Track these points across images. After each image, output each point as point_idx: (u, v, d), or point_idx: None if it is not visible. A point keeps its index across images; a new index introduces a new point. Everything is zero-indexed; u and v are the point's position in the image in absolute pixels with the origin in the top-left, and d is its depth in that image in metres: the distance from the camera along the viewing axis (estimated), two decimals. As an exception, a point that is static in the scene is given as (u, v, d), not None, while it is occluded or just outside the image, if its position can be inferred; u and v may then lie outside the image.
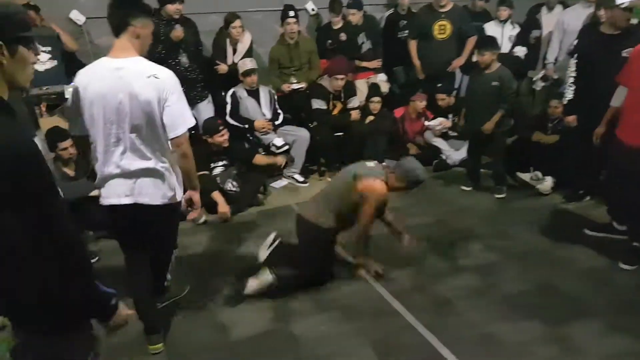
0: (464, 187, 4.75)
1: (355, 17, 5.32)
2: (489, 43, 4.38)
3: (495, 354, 2.63)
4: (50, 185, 1.29)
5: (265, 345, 2.72)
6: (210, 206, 4.17)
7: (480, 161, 4.72)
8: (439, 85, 5.46)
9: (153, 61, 3.47)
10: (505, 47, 5.50)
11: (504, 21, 5.61)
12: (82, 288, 1.40)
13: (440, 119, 5.36)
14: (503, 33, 5.56)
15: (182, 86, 4.37)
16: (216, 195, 4.14)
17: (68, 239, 1.33)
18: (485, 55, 4.25)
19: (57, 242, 1.29)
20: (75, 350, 1.51)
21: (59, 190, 1.36)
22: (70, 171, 3.72)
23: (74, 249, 1.35)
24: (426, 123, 5.38)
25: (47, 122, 3.93)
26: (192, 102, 4.58)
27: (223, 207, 4.11)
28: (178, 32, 4.27)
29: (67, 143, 3.66)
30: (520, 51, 5.56)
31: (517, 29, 5.64)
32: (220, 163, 4.42)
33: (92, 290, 1.44)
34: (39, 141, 3.14)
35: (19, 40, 1.34)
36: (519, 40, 5.61)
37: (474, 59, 4.44)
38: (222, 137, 4.27)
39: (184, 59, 4.40)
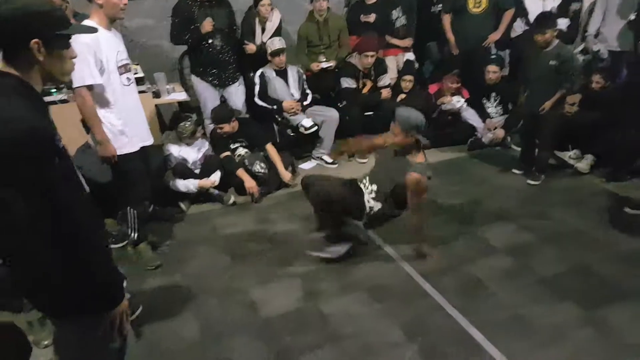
0: (515, 171, 4.53)
1: None
2: (550, 20, 4.08)
3: (527, 336, 2.58)
4: (55, 166, 1.30)
5: (295, 324, 2.75)
6: (239, 187, 4.21)
7: (534, 145, 4.43)
8: (493, 55, 5.19)
9: (184, 43, 3.87)
10: None
11: None
12: (98, 273, 1.41)
13: (457, 97, 5.20)
14: (544, 6, 5.31)
15: (214, 68, 4.43)
16: (241, 173, 4.16)
17: (76, 219, 1.34)
18: (547, 34, 3.95)
19: (63, 222, 1.30)
20: (86, 338, 1.52)
21: (76, 173, 1.42)
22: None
23: (82, 229, 1.35)
24: (443, 107, 5.20)
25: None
26: (223, 84, 4.59)
27: (249, 182, 4.14)
28: (207, 25, 4.22)
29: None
30: (563, 23, 5.23)
31: (559, 0, 5.35)
32: (238, 144, 4.43)
33: (110, 273, 1.46)
34: None
35: (56, 38, 1.36)
36: (561, 11, 5.33)
37: (536, 37, 4.03)
38: (221, 130, 4.27)
39: (217, 41, 4.38)
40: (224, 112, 4.32)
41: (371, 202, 3.20)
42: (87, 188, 1.50)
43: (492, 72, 5.06)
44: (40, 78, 1.38)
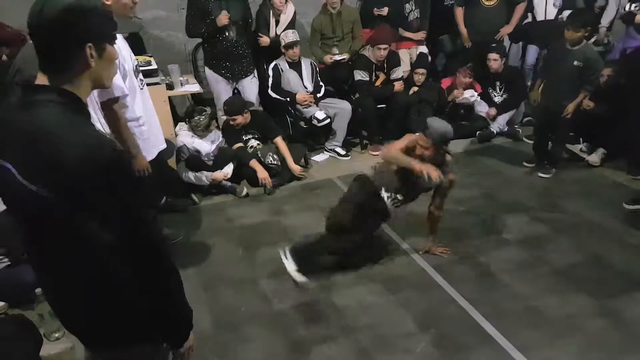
0: (526, 164, 4.52)
1: None
2: (586, 18, 3.96)
3: (540, 328, 2.59)
4: (137, 189, 1.23)
5: (308, 315, 2.78)
6: (252, 178, 4.24)
7: (548, 140, 4.41)
8: (493, 45, 5.17)
9: (200, 36, 3.59)
10: (550, 13, 5.23)
11: None
12: (171, 303, 1.31)
13: (471, 91, 5.19)
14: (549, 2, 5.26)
15: (227, 61, 4.43)
16: (254, 163, 4.19)
17: (157, 248, 1.25)
18: (579, 33, 3.85)
19: (146, 250, 1.22)
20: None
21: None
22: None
23: (162, 257, 1.26)
24: (457, 100, 5.19)
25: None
26: (236, 77, 4.60)
27: (262, 172, 4.17)
28: (223, 19, 4.23)
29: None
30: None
31: None
32: (250, 135, 4.46)
33: (183, 305, 1.35)
34: None
35: (106, 39, 1.21)
36: (566, 3, 5.25)
37: (565, 34, 3.93)
38: (233, 122, 4.28)
39: (231, 34, 4.38)
40: (236, 103, 4.34)
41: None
42: None
43: (494, 60, 5.06)
44: (89, 87, 1.23)
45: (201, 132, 4.24)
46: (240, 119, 4.27)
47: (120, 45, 2.59)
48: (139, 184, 1.23)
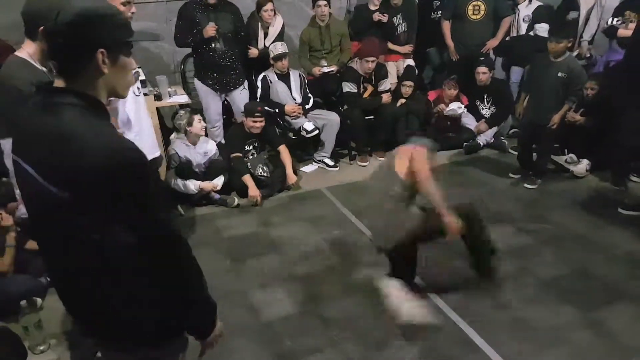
0: (512, 175, 4.56)
1: None
2: (567, 30, 4.04)
3: (526, 338, 2.61)
4: (154, 190, 1.22)
5: (295, 327, 2.77)
6: (242, 190, 4.24)
7: (532, 150, 4.46)
8: (482, 58, 5.23)
9: (187, 46, 3.51)
10: (521, 29, 5.33)
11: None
12: (194, 298, 1.35)
13: (457, 103, 5.25)
14: (517, 15, 5.36)
15: (215, 73, 4.44)
16: (247, 179, 4.19)
17: (175, 243, 1.27)
18: (561, 44, 3.92)
19: (165, 249, 1.24)
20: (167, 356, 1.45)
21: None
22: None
23: (181, 255, 1.28)
24: (445, 112, 5.24)
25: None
26: (225, 89, 4.61)
27: (253, 190, 4.16)
28: (210, 30, 4.23)
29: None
30: (542, 29, 5.21)
31: (534, 6, 5.31)
32: (252, 146, 4.47)
33: (206, 300, 1.39)
34: None
35: (121, 48, 1.22)
36: (536, 18, 5.29)
37: (549, 46, 3.97)
38: (254, 124, 4.29)
39: (218, 46, 4.39)
40: (261, 105, 4.36)
41: None
42: None
43: (482, 73, 5.12)
44: (105, 94, 1.23)
45: (186, 128, 4.18)
46: (251, 123, 4.28)
47: None
48: (159, 185, 1.23)
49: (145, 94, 4.00)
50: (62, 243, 1.24)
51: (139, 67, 4.42)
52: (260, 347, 2.63)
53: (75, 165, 1.10)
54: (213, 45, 4.37)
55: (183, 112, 4.23)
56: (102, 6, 1.19)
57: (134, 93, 2.83)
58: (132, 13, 2.68)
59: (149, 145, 3.00)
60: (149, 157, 2.92)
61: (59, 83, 1.19)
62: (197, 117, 4.20)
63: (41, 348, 2.57)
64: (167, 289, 1.27)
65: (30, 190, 1.20)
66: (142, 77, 4.27)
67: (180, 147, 4.19)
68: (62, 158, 1.11)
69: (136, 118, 2.85)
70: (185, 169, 4.13)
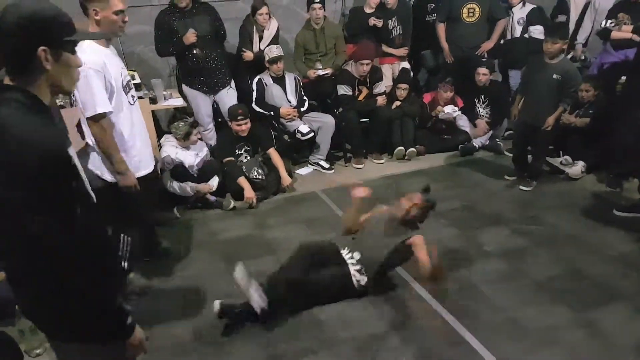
0: (507, 177, 4.59)
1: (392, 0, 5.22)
2: (563, 30, 4.03)
3: (520, 339, 2.62)
4: (77, 189, 1.27)
5: (290, 329, 2.77)
6: (237, 193, 4.24)
7: (527, 152, 4.48)
8: (483, 59, 5.25)
9: (170, 55, 3.97)
10: (516, 31, 5.35)
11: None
12: (100, 299, 1.34)
13: (452, 106, 5.27)
14: (511, 17, 5.38)
15: (201, 76, 4.41)
16: (242, 181, 4.19)
17: (91, 244, 1.28)
18: (557, 44, 3.90)
19: (78, 246, 1.24)
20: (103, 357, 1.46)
21: (89, 193, 1.37)
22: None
23: (95, 255, 1.29)
24: (440, 116, 5.26)
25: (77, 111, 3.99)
26: (213, 89, 4.59)
27: (249, 192, 4.16)
28: (191, 37, 4.21)
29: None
30: (536, 31, 5.22)
31: (528, 8, 5.32)
32: (243, 149, 4.47)
33: (109, 304, 1.37)
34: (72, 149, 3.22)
35: (63, 45, 1.29)
36: (530, 20, 5.30)
37: (545, 47, 3.97)
38: (239, 127, 4.29)
39: (197, 51, 4.34)
40: (244, 108, 4.37)
41: (357, 276, 2.95)
42: (94, 197, 1.45)
43: (482, 75, 5.15)
44: (48, 90, 1.31)
45: (182, 140, 4.21)
46: (236, 127, 4.29)
47: (109, 62, 2.62)
48: (76, 184, 1.27)
49: (140, 97, 4.02)
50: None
51: (133, 71, 4.44)
52: (255, 348, 2.63)
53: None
54: (194, 51, 4.34)
55: (182, 124, 4.22)
56: (44, 7, 1.27)
57: (129, 102, 2.78)
58: (125, 22, 2.65)
59: (146, 157, 2.98)
60: (144, 171, 2.94)
61: (6, 80, 1.26)
62: (194, 131, 4.27)
63: (37, 351, 2.57)
64: (72, 289, 1.28)
65: None
66: (136, 80, 4.28)
67: (171, 149, 4.19)
68: None
69: (133, 130, 2.81)
70: (180, 171, 4.13)
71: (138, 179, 2.85)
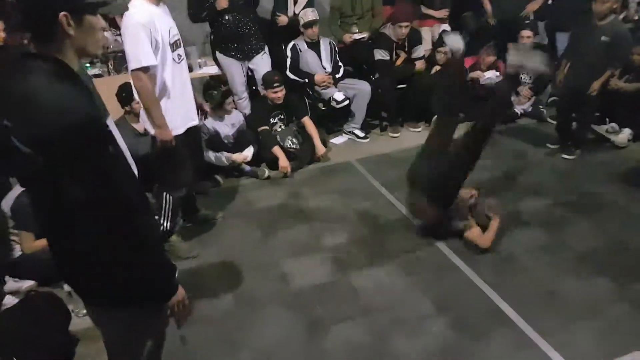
0: (550, 145, 4.43)
1: None
2: None
3: (559, 311, 2.57)
4: (110, 155, 1.27)
5: (326, 296, 2.80)
6: (271, 162, 4.26)
7: (572, 119, 4.31)
8: (527, 21, 5.01)
9: (202, 20, 4.00)
10: None
11: None
12: (147, 260, 1.36)
13: (494, 71, 5.07)
14: None
15: (234, 43, 4.37)
16: (276, 150, 4.20)
17: (130, 207, 1.29)
18: (607, 3, 3.67)
19: (118, 210, 1.26)
20: (144, 326, 1.49)
21: (125, 158, 1.38)
22: (139, 128, 3.87)
23: (135, 218, 1.31)
24: (481, 81, 5.07)
25: (116, 80, 4.05)
26: (247, 56, 4.55)
27: (284, 161, 4.17)
28: (222, 2, 4.16)
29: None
30: None
31: None
32: (277, 118, 4.45)
33: (159, 261, 1.40)
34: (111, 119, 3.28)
35: (84, 8, 1.28)
36: None
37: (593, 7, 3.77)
38: (275, 94, 4.27)
39: (231, 16, 4.30)
40: (278, 74, 4.34)
41: None
42: (135, 169, 1.48)
43: (527, 37, 4.90)
44: (75, 55, 1.31)
45: (215, 110, 4.22)
46: (272, 94, 4.26)
47: (158, 19, 2.71)
48: (112, 148, 1.29)
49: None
50: (36, 198, 1.35)
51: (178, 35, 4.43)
52: (291, 314, 2.68)
53: (32, 123, 1.18)
54: (227, 17, 4.30)
55: (216, 92, 4.22)
56: None
57: (175, 60, 2.85)
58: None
59: (188, 115, 3.05)
60: (191, 124, 3.03)
61: (33, 49, 1.28)
62: (227, 100, 4.24)
63: (84, 311, 2.68)
64: (122, 249, 1.30)
65: (6, 149, 1.27)
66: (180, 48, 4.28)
67: (208, 119, 4.22)
68: (23, 116, 1.20)
69: (175, 84, 2.87)
70: (215, 141, 4.16)
71: (187, 130, 2.98)
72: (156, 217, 3.05)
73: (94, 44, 1.34)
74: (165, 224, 3.08)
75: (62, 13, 1.23)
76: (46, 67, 1.23)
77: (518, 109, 5.06)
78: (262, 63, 4.60)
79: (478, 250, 3.04)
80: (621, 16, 5.05)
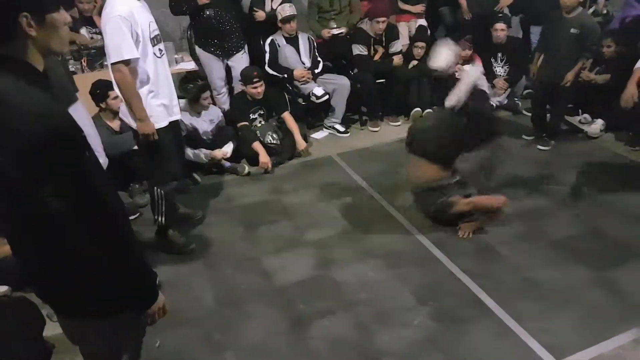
0: (525, 137, 4.51)
1: None
2: None
3: (537, 298, 2.63)
4: (87, 160, 1.23)
5: (308, 291, 2.81)
6: (252, 158, 4.24)
7: (546, 111, 4.39)
8: (500, 15, 5.08)
9: (183, 14, 3.89)
10: None
11: None
12: (132, 265, 1.33)
13: (469, 65, 5.12)
14: None
15: (215, 39, 4.33)
16: (257, 146, 4.18)
17: (111, 213, 1.26)
18: None
19: (99, 218, 1.23)
20: (125, 335, 1.47)
21: (99, 158, 1.33)
22: (115, 125, 3.82)
23: (117, 224, 1.28)
24: (457, 75, 5.11)
25: (89, 77, 3.97)
26: (227, 53, 4.54)
27: (264, 157, 4.16)
28: None
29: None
30: None
31: None
32: (257, 114, 4.43)
33: (143, 267, 1.37)
34: (80, 104, 3.21)
35: (44, 7, 1.23)
36: None
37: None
38: (255, 90, 4.25)
39: (213, 12, 4.30)
40: (257, 70, 4.32)
41: None
42: (103, 164, 1.44)
43: (500, 30, 4.97)
44: (39, 55, 1.26)
45: (191, 104, 4.17)
46: (252, 89, 4.24)
47: (137, 13, 2.68)
48: (89, 154, 1.24)
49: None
50: (7, 209, 1.27)
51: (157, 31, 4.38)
52: (274, 310, 2.68)
53: (3, 130, 1.13)
54: (208, 12, 4.28)
55: (192, 85, 4.18)
56: None
57: (156, 54, 2.82)
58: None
59: (170, 109, 3.00)
60: (173, 118, 2.99)
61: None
62: (204, 95, 4.17)
63: (59, 316, 2.64)
64: (101, 257, 1.27)
65: None
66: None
67: (185, 115, 4.17)
68: None
69: (159, 78, 2.85)
70: (193, 138, 4.13)
71: (170, 123, 2.94)
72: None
73: (58, 42, 1.28)
74: (160, 219, 3.07)
75: (22, 14, 1.18)
76: (9, 69, 1.19)
77: (494, 101, 5.12)
78: (241, 61, 4.58)
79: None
80: (590, 10, 5.15)
